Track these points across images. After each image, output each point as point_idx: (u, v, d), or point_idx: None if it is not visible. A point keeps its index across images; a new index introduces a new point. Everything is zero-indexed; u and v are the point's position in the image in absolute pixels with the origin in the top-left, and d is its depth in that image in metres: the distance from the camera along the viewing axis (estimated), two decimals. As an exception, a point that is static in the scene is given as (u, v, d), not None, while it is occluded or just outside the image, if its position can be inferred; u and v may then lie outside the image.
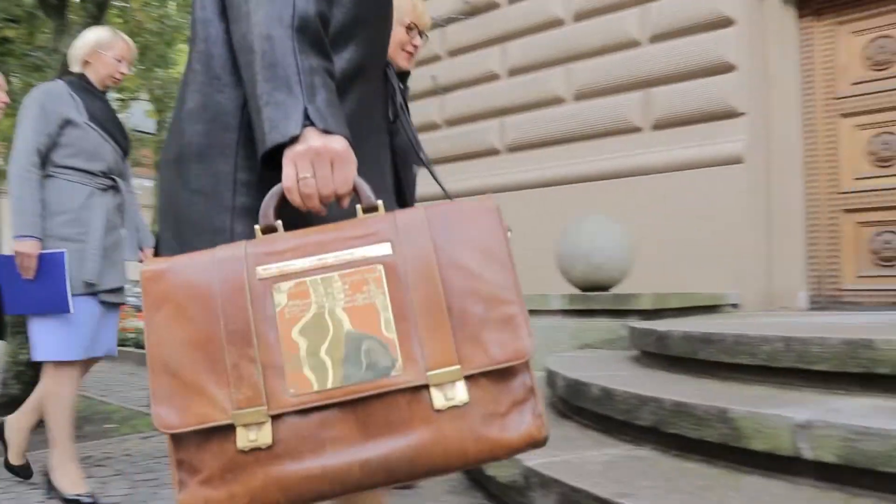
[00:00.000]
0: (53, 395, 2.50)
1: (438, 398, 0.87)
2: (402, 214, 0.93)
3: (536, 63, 6.00)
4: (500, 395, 0.89)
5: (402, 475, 0.87)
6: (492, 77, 6.24)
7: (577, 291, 4.21)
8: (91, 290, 2.49)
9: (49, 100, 2.56)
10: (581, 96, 5.70)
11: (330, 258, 0.90)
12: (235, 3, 0.99)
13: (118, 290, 2.62)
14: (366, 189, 0.96)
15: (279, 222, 0.94)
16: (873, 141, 4.97)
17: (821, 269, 5.10)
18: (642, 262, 4.48)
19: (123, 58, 2.75)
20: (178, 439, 0.88)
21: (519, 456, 1.09)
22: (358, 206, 0.95)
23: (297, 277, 0.89)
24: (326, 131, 0.91)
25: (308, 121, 0.90)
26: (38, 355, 2.50)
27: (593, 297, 3.96)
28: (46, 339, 2.47)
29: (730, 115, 4.89)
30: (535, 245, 4.66)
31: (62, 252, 2.47)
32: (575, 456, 1.98)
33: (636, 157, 5.28)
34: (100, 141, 2.62)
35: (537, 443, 0.90)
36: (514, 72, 6.15)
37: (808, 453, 1.65)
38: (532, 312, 3.99)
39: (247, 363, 0.87)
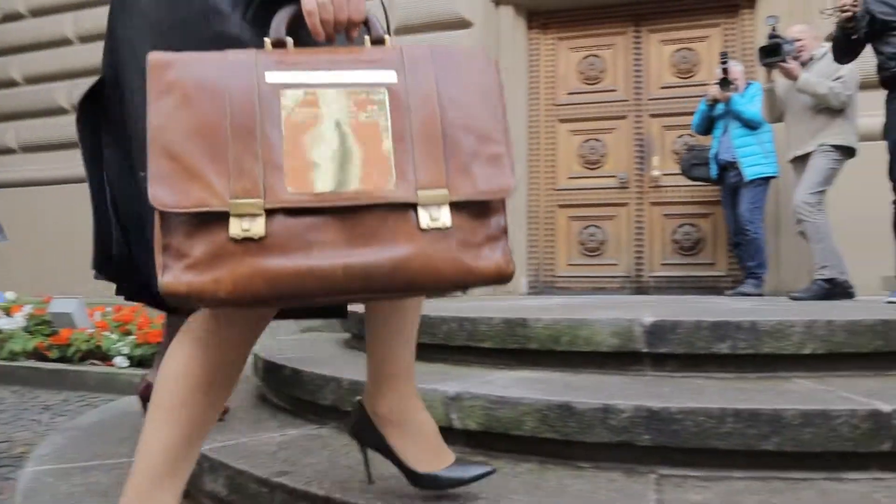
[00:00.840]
0: None
1: (424, 218, 0.93)
2: (409, 49, 1.00)
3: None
4: (478, 228, 0.98)
5: (379, 285, 0.92)
6: None
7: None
8: None
9: None
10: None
11: (339, 76, 0.95)
12: None
13: None
14: (375, 22, 1.03)
15: (290, 39, 0.98)
16: (583, 145, 5.60)
17: (539, 258, 5.63)
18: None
19: None
20: (167, 224, 0.89)
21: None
22: (366, 37, 1.02)
23: (306, 88, 0.93)
24: None
25: None
26: None
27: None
28: None
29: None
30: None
31: None
32: (251, 439, 1.99)
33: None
34: None
35: (504, 276, 1.00)
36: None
37: (457, 423, 1.81)
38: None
39: (249, 157, 0.89)
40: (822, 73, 3.85)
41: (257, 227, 0.87)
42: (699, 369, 2.04)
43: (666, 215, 5.56)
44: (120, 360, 4.06)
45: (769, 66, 3.94)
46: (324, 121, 0.92)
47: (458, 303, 2.79)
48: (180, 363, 1.05)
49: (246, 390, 2.70)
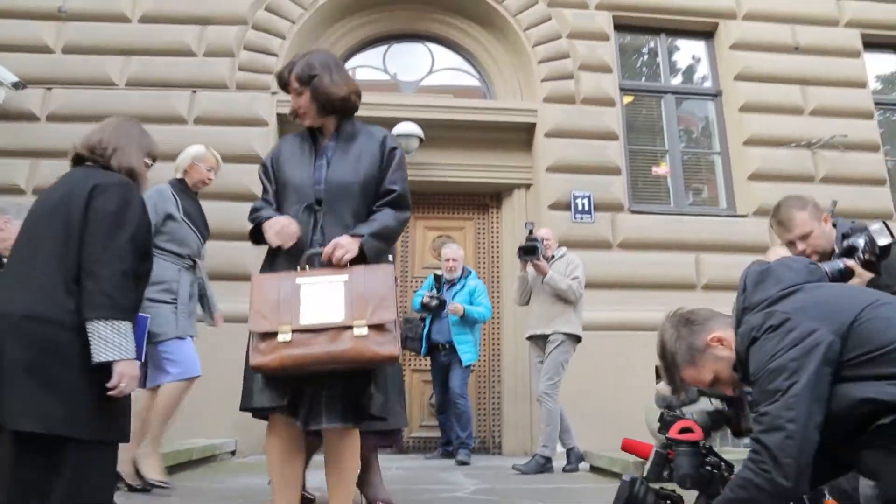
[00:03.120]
0: (173, 404, 3.54)
1: (356, 331, 2.07)
2: (356, 267, 2.19)
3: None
4: (379, 334, 2.09)
5: (341, 362, 2.08)
6: None
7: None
8: (180, 335, 3.55)
9: (160, 200, 3.58)
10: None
11: (326, 277, 2.16)
12: None
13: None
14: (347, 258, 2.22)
15: (308, 266, 2.21)
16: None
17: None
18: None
19: (212, 168, 3.84)
20: (253, 339, 2.11)
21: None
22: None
23: (311, 283, 2.15)
24: None
25: None
26: (158, 381, 3.52)
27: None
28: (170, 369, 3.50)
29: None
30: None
31: (146, 317, 2.95)
32: None
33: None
34: (188, 232, 3.65)
35: (393, 358, 2.12)
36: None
37: None
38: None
39: (285, 310, 2.10)
40: (560, 270, 4.83)
41: (286, 336, 2.06)
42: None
43: (425, 381, 6.24)
44: None
45: (525, 261, 4.80)
46: (314, 294, 2.12)
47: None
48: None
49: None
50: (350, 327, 2.05)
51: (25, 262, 2.02)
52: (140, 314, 2.93)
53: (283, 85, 2.46)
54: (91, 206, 2.03)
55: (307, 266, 2.19)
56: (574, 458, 4.77)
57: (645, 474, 2.02)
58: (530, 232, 4.92)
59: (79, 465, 1.91)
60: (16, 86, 5.93)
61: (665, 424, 2.08)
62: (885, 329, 1.68)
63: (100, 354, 1.91)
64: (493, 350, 6.49)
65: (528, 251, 4.75)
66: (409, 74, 7.17)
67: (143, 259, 2.11)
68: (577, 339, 4.83)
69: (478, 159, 6.59)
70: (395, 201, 2.35)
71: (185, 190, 3.73)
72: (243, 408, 2.26)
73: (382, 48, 7.20)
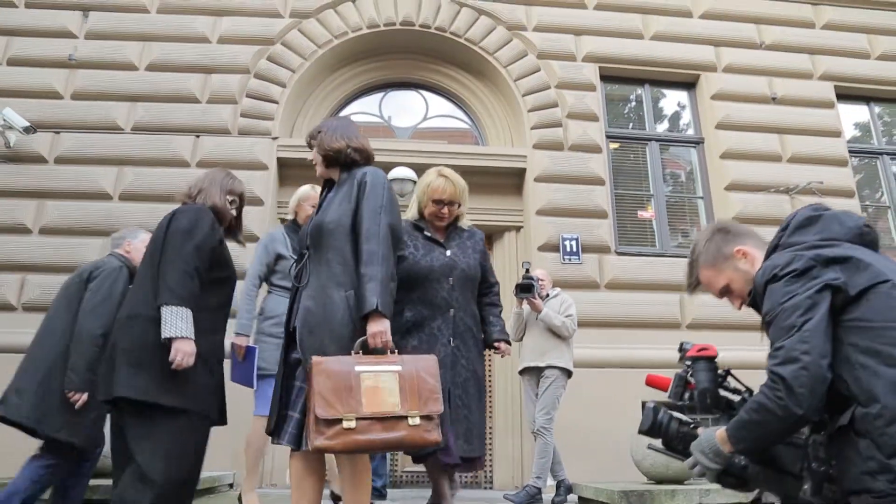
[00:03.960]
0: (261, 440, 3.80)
1: (411, 421, 2.32)
2: (406, 356, 2.47)
3: (76, 229, 6.11)
4: (429, 423, 2.35)
5: (395, 448, 2.42)
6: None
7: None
8: None
9: (270, 241, 4.03)
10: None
11: (379, 367, 2.36)
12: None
13: None
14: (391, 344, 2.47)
15: (360, 352, 2.40)
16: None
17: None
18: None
19: (314, 205, 3.90)
20: (317, 423, 2.25)
21: None
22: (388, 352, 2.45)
23: (366, 371, 2.34)
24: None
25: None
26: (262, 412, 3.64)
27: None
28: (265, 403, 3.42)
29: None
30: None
31: (255, 347, 3.68)
32: None
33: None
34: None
35: (438, 443, 2.39)
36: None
37: None
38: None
39: (349, 398, 2.28)
40: (555, 309, 5.01)
41: (351, 423, 2.25)
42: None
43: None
44: None
45: (522, 298, 4.94)
46: (374, 385, 2.31)
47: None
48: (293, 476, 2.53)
49: None
50: (405, 417, 2.32)
51: (138, 275, 2.69)
52: (249, 345, 3.64)
53: (308, 143, 2.81)
54: (170, 226, 2.65)
55: (360, 350, 2.39)
56: (563, 489, 4.90)
57: (668, 397, 2.08)
58: (527, 271, 5.09)
59: (165, 433, 2.44)
60: (27, 130, 6.16)
61: (684, 350, 2.12)
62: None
63: (164, 332, 2.45)
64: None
65: (524, 289, 4.91)
66: (403, 120, 7.47)
67: (215, 267, 2.68)
68: (569, 374, 4.97)
69: (470, 203, 6.75)
70: (366, 237, 2.49)
71: (297, 229, 4.00)
72: (273, 439, 2.57)
73: (378, 95, 7.50)
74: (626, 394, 5.79)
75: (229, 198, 2.92)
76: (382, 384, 2.32)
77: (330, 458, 3.48)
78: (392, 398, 2.31)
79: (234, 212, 2.96)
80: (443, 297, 3.19)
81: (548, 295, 5.16)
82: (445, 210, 3.26)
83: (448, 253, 3.30)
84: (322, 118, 6.86)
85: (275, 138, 6.61)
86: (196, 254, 2.58)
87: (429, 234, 3.32)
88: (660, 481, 4.44)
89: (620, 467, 5.16)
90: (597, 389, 5.82)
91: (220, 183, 2.92)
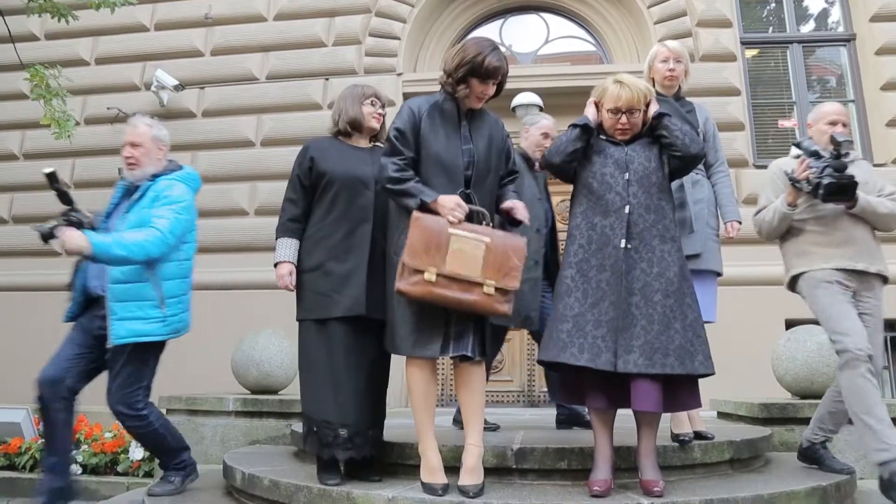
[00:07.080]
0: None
1: (486, 289, 2.49)
2: (493, 231, 2.60)
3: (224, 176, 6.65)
4: (502, 296, 2.51)
5: (466, 308, 2.51)
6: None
7: (248, 394, 4.78)
8: None
9: None
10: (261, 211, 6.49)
11: (471, 233, 2.52)
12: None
13: None
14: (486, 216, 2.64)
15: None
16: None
17: (444, 373, 6.33)
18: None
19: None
20: (404, 268, 2.50)
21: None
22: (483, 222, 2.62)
23: (457, 234, 2.51)
24: None
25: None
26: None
27: (263, 400, 4.53)
28: None
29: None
30: (216, 349, 5.15)
31: None
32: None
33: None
34: None
35: (506, 314, 2.59)
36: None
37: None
38: (209, 413, 4.46)
39: (435, 253, 2.48)
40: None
41: (432, 277, 2.45)
42: (548, 478, 2.82)
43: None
44: (73, 468, 4.34)
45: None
46: (461, 248, 2.49)
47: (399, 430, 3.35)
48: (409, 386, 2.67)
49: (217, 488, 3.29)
50: (482, 284, 2.48)
51: None
52: None
53: (500, 74, 2.72)
54: None
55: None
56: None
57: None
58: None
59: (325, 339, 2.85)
60: (176, 88, 6.69)
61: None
62: None
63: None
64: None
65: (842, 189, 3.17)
66: (525, 46, 7.35)
67: (311, 189, 2.95)
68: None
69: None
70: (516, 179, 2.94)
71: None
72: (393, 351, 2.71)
73: (498, 22, 7.41)
74: (767, 312, 5.62)
75: (368, 101, 3.05)
76: (469, 250, 2.49)
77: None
78: (474, 264, 2.48)
79: (376, 115, 3.05)
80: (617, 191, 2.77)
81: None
82: (624, 119, 2.89)
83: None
84: (444, 51, 6.90)
85: (399, 74, 6.75)
86: (295, 183, 3.00)
87: (604, 137, 2.91)
88: (803, 396, 4.32)
89: (764, 389, 5.03)
90: (737, 308, 5.65)
91: (349, 97, 3.08)
